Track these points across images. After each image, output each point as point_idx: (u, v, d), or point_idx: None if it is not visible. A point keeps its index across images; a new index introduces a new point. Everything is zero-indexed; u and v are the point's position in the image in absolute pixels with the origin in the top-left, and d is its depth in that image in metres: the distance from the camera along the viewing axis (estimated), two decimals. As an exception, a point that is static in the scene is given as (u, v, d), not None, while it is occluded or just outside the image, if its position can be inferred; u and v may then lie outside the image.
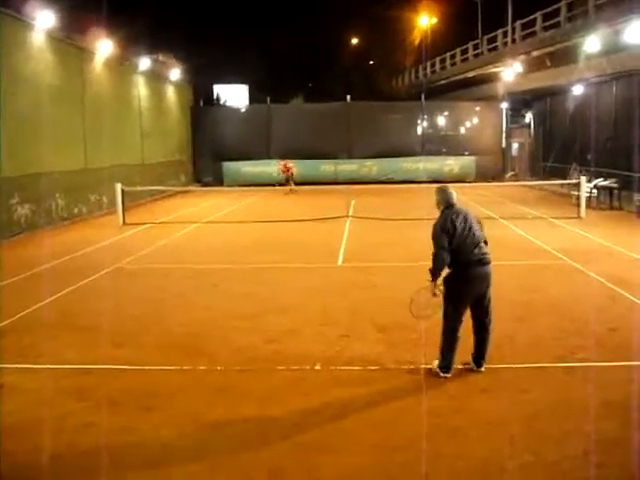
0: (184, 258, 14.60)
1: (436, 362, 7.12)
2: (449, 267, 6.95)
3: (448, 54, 45.04)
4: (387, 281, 11.94)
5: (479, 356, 7.21)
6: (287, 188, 30.23)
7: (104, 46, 24.37)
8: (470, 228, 6.92)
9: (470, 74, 40.01)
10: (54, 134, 20.17)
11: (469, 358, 7.27)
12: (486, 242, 7.08)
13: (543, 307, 9.88)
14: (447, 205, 7.09)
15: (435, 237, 6.92)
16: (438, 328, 8.65)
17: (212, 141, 37.11)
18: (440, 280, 7.01)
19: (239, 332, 8.91)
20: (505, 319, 8.85)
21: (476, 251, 6.85)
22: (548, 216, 20.26)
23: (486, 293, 7.03)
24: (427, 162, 36.45)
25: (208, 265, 13.70)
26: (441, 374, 6.99)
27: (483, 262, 6.90)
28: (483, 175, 35.75)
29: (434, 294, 7.02)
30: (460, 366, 7.26)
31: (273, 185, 32.07)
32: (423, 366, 7.27)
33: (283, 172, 31.69)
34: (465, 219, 6.96)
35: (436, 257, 6.88)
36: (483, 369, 7.20)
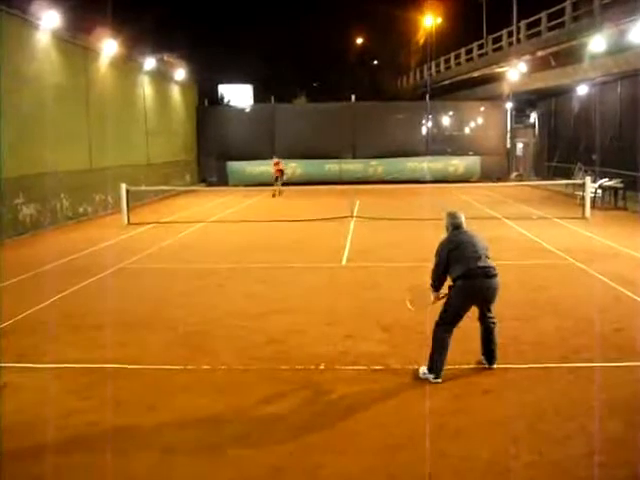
0: (189, 258, 14.61)
1: (423, 368, 7.03)
2: (453, 280, 7.04)
3: (453, 54, 45.01)
4: (391, 281, 11.92)
5: (489, 354, 7.25)
6: (275, 189, 29.01)
7: (109, 46, 24.42)
8: (473, 244, 7.06)
9: (475, 74, 39.99)
10: (59, 134, 20.22)
11: (480, 357, 7.33)
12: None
13: (547, 307, 9.86)
14: (454, 227, 7.31)
15: (436, 254, 7.21)
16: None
17: (217, 141, 37.20)
18: (443, 291, 7.17)
19: (243, 331, 8.91)
20: (509, 319, 8.85)
21: (479, 263, 6.92)
22: (553, 216, 20.22)
23: (488, 303, 7.11)
24: (432, 162, 36.43)
25: (213, 265, 13.71)
26: (432, 380, 6.90)
27: (488, 274, 6.95)
28: (488, 175, 35.75)
29: (435, 300, 7.26)
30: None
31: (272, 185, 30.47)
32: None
33: (276, 171, 30.12)
34: (469, 237, 7.16)
35: (433, 272, 7.20)
36: (495, 366, 7.24)
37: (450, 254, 7.03)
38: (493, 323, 7.20)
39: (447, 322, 6.99)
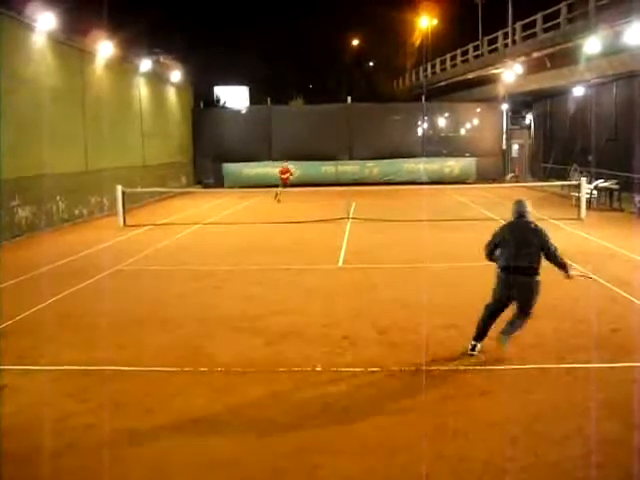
0: (185, 259, 14.61)
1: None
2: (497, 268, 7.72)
3: (448, 55, 45.04)
4: (388, 283, 11.94)
5: (505, 325, 7.66)
6: (279, 193, 27.53)
7: (105, 48, 24.41)
8: (518, 239, 7.59)
9: (470, 75, 40.02)
10: (55, 136, 20.20)
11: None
12: (553, 256, 7.66)
13: (544, 308, 9.81)
14: (517, 216, 7.90)
15: (493, 234, 7.96)
16: (439, 330, 8.72)
17: (213, 143, 37.17)
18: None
19: (240, 333, 8.92)
20: (505, 320, 8.87)
21: (516, 261, 7.47)
22: (548, 217, 20.17)
23: (523, 299, 7.57)
24: (428, 163, 36.47)
25: (209, 266, 13.71)
26: (471, 344, 7.66)
27: (519, 271, 7.48)
28: (483, 176, 35.84)
29: None
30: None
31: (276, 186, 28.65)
32: (424, 367, 7.28)
33: (284, 175, 28.53)
34: (520, 232, 7.70)
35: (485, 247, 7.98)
36: (503, 343, 7.58)
37: (500, 242, 7.72)
38: (526, 313, 7.61)
39: (490, 306, 7.69)
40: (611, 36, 23.17)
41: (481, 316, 7.74)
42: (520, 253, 7.49)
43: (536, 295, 7.57)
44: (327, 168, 36.47)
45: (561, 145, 33.12)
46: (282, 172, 28.56)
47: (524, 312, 7.61)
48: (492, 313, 7.71)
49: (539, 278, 7.56)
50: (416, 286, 11.31)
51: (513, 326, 7.63)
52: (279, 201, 27.24)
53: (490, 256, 7.91)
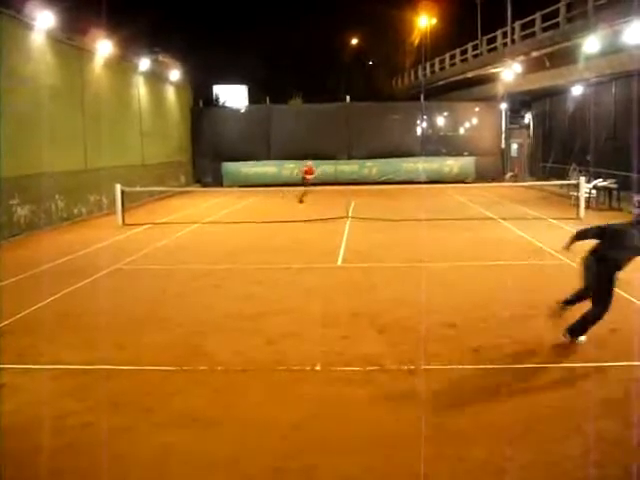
0: (184, 258, 14.60)
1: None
2: None
3: (447, 54, 45.03)
4: (387, 282, 11.94)
5: (575, 323, 8.03)
6: (303, 192, 26.23)
7: (104, 46, 24.39)
8: (612, 238, 8.07)
9: (469, 74, 40.02)
10: (54, 134, 20.17)
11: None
12: None
13: (543, 307, 9.85)
14: (634, 220, 8.42)
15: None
16: (438, 329, 8.73)
17: (212, 142, 37.15)
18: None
19: (239, 333, 8.91)
20: (505, 319, 8.88)
21: (602, 250, 7.99)
22: (547, 217, 20.25)
23: (594, 286, 8.01)
24: (427, 162, 36.47)
25: (208, 265, 13.70)
26: (562, 302, 8.18)
27: (596, 257, 7.97)
28: (482, 175, 35.86)
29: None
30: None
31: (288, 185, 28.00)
32: (423, 366, 7.28)
33: (307, 174, 27.18)
34: (623, 232, 8.09)
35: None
36: (567, 338, 7.99)
37: (599, 235, 8.22)
38: (595, 305, 7.94)
39: (582, 289, 8.15)
40: (610, 35, 23.17)
41: (579, 288, 8.17)
42: (611, 250, 7.93)
43: (604, 288, 7.91)
44: (326, 167, 36.30)
45: (560, 144, 33.12)
46: (307, 172, 27.31)
47: (594, 305, 7.92)
48: (580, 296, 8.16)
49: (616, 275, 7.94)
50: (415, 285, 11.31)
51: (583, 322, 7.94)
52: (302, 201, 25.97)
53: (579, 237, 8.40)
